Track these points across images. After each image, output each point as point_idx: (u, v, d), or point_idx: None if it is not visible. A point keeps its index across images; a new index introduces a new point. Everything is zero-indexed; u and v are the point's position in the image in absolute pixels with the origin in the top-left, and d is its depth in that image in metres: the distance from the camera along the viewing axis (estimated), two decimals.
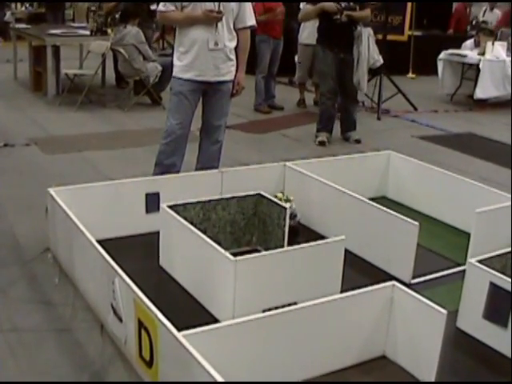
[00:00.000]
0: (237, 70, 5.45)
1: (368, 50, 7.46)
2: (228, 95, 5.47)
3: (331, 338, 3.26)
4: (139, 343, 3.10)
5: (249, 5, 5.42)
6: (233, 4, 5.23)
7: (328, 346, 3.25)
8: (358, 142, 8.03)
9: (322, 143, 7.91)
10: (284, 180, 5.34)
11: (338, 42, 7.50)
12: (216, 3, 5.13)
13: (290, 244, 4.17)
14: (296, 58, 10.45)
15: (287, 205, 4.41)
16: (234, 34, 5.34)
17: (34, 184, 5.70)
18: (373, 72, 9.98)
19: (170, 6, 5.21)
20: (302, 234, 4.68)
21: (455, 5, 16.56)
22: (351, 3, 7.39)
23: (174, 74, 5.38)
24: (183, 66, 5.28)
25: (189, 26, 5.21)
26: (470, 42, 12.23)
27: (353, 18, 7.38)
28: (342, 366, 3.32)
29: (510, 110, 11.02)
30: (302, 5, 9.74)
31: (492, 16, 15.21)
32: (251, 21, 5.42)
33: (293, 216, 4.68)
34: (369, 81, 10.17)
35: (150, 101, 9.70)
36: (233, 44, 5.34)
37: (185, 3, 5.18)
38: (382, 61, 7.77)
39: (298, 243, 3.98)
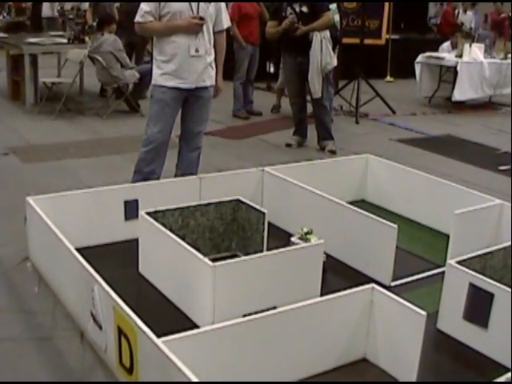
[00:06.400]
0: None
1: (321, 53, 7.33)
2: (209, 101, 5.45)
3: (311, 342, 3.26)
4: (119, 350, 3.09)
5: (224, 7, 5.45)
6: (211, 9, 5.22)
7: (308, 350, 3.26)
8: (332, 152, 7.68)
9: (287, 145, 8.02)
10: (263, 185, 5.33)
11: (295, 46, 7.49)
12: (195, 10, 5.11)
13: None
14: (272, 66, 10.47)
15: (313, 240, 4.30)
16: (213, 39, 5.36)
17: (12, 193, 5.66)
18: (350, 76, 10.07)
19: (149, 17, 5.12)
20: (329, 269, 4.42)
21: (443, 7, 16.59)
22: (295, 20, 7.33)
23: (155, 82, 5.31)
24: (165, 74, 5.22)
25: (170, 35, 5.17)
26: (446, 45, 12.34)
27: (310, 31, 7.32)
28: (323, 369, 3.32)
29: (487, 112, 11.14)
30: None
31: (466, 18, 15.30)
32: (227, 23, 5.49)
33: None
34: (346, 85, 10.30)
35: (128, 108, 9.68)
36: (212, 49, 5.34)
37: (163, 12, 5.11)
38: (334, 64, 7.61)
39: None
